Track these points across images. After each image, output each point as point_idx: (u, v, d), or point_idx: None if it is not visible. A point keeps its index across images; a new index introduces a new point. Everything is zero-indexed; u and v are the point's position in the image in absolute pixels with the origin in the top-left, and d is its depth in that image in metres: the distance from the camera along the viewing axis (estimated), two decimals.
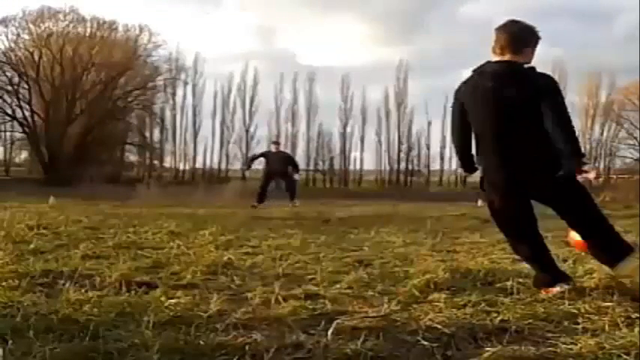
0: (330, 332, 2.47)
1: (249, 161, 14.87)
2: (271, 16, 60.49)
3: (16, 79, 38.00)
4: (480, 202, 15.42)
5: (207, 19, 60.03)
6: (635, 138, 41.05)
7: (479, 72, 3.35)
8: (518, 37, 3.29)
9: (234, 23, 60.71)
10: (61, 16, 38.32)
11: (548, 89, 3.19)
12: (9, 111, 38.66)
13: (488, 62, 3.33)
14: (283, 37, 63.40)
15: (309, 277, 3.74)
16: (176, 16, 59.99)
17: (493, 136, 3.29)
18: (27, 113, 38.25)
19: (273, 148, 14.44)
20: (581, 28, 58.97)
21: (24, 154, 45.42)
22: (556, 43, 52.41)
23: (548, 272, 3.34)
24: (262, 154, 14.30)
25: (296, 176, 14.12)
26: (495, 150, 3.29)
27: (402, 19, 55.79)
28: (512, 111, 3.20)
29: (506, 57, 3.27)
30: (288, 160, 14.25)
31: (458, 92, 3.45)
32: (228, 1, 62.44)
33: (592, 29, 59.62)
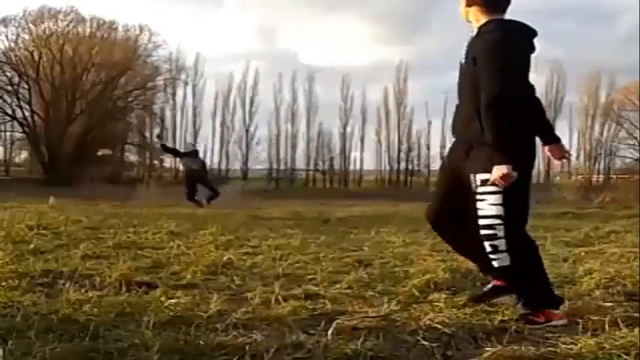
0: (330, 332, 2.47)
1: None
2: (272, 15, 60.59)
3: (16, 79, 38.02)
4: None
5: (208, 19, 60.13)
6: (635, 138, 41.05)
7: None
8: None
9: (235, 23, 60.79)
10: (61, 16, 38.37)
11: None
12: (9, 111, 38.67)
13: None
14: (284, 37, 63.55)
15: (309, 277, 3.74)
16: (177, 16, 60.07)
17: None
18: (27, 113, 38.27)
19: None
20: (582, 28, 58.97)
21: (24, 154, 45.45)
22: (557, 43, 52.58)
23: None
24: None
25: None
26: None
27: (404, 19, 55.81)
28: None
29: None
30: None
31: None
32: (230, 1, 62.49)
33: (593, 29, 59.64)
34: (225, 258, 4.31)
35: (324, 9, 59.95)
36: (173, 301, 2.96)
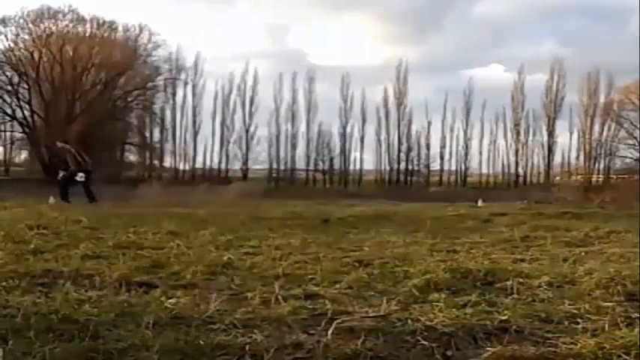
0: (330, 332, 2.47)
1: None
2: (281, 16, 60.58)
3: (16, 79, 38.03)
4: (480, 202, 15.45)
5: (215, 19, 60.04)
6: (635, 138, 41.06)
7: None
8: None
9: (244, 23, 60.74)
10: (60, 16, 38.38)
11: None
12: (9, 111, 38.68)
13: None
14: (294, 37, 63.51)
15: (309, 277, 3.74)
16: (179, 17, 60.00)
17: None
18: (27, 113, 38.29)
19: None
20: (584, 28, 58.86)
21: (24, 154, 45.45)
22: (557, 43, 52.55)
23: None
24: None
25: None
26: None
27: (413, 18, 55.76)
28: None
29: None
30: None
31: None
32: (240, 1, 62.34)
33: (594, 29, 59.52)
34: (225, 258, 4.31)
35: (335, 9, 59.99)
36: (173, 301, 2.96)
